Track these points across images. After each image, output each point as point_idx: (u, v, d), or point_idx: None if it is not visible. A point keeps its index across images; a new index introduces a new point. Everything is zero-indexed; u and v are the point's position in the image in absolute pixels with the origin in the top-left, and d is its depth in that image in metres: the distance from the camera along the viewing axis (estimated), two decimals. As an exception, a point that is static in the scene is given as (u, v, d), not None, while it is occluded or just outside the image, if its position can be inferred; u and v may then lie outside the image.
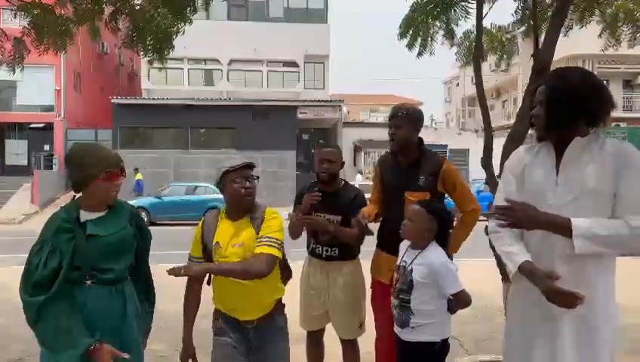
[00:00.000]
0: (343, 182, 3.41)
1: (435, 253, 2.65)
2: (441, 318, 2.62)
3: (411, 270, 2.63)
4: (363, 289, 3.37)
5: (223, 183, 2.58)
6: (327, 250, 3.31)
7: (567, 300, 1.82)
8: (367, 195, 3.38)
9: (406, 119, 3.04)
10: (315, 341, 3.50)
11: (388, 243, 3.09)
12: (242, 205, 2.56)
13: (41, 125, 24.46)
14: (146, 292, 2.53)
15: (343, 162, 3.39)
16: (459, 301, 2.60)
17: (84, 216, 2.22)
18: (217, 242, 2.53)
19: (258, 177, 2.65)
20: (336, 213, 3.25)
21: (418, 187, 3.00)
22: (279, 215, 2.63)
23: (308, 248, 3.44)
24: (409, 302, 2.61)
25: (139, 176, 20.53)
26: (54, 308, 2.06)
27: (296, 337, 3.58)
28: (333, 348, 3.58)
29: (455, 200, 3.11)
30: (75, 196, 2.31)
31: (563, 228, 1.84)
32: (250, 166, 2.59)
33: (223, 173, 2.57)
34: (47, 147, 24.74)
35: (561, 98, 1.93)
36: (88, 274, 2.18)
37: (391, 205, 3.09)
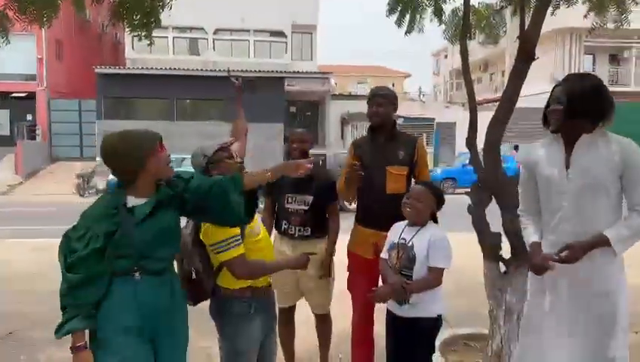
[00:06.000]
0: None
1: (436, 229, 2.78)
2: (438, 293, 2.71)
3: (412, 245, 2.70)
4: (332, 265, 3.48)
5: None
6: (299, 230, 3.39)
7: (538, 270, 2.33)
8: None
9: (386, 99, 3.29)
10: (287, 318, 3.55)
11: (370, 218, 3.24)
12: None
13: (23, 94, 23.96)
14: None
15: (312, 143, 3.60)
16: (432, 276, 2.64)
17: (132, 201, 2.15)
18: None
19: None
20: (308, 193, 3.36)
21: (399, 161, 3.23)
22: None
23: (279, 228, 3.48)
24: (411, 278, 2.67)
25: None
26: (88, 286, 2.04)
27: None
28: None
29: (417, 170, 3.32)
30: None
31: (602, 242, 2.20)
32: None
33: None
34: (29, 117, 24.29)
35: (579, 97, 2.26)
36: (136, 265, 2.11)
37: (372, 180, 3.18)
